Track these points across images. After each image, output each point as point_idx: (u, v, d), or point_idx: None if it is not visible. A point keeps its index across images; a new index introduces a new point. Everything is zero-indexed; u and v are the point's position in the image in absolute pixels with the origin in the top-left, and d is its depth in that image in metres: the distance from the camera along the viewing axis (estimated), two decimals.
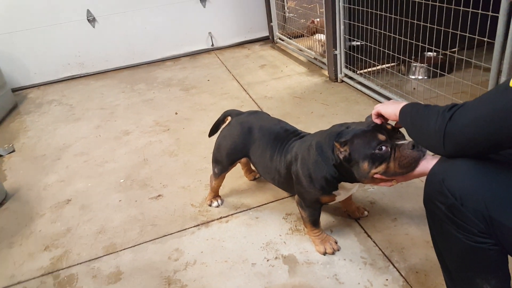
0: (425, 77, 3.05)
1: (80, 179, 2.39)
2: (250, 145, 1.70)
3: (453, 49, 2.28)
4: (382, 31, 2.72)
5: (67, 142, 2.89)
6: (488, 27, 1.84)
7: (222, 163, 1.79)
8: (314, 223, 1.56)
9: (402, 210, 1.74)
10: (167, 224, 1.89)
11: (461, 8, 1.96)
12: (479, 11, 1.85)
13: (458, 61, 2.95)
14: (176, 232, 1.83)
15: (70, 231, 1.93)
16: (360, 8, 2.82)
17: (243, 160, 1.97)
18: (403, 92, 2.64)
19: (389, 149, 1.22)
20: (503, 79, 1.77)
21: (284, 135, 1.64)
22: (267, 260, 1.58)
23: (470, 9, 1.90)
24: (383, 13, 2.66)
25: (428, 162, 1.12)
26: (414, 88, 2.91)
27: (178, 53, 4.61)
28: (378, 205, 1.79)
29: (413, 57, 3.06)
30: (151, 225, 1.90)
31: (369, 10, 2.76)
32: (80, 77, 4.41)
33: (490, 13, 1.77)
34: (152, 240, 1.80)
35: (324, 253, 1.56)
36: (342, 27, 2.97)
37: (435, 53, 3.10)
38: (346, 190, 1.47)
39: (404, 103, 1.15)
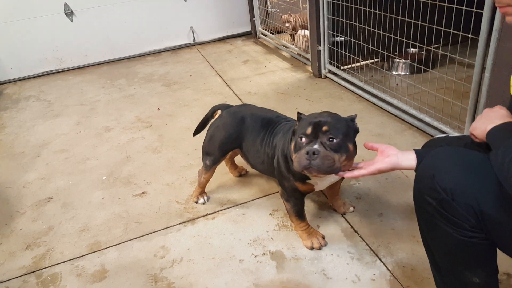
0: (408, 73, 3.09)
1: (61, 176, 2.33)
2: (243, 134, 1.70)
3: (436, 45, 2.32)
4: (366, 27, 2.73)
5: (47, 139, 2.81)
6: (472, 23, 1.88)
7: (215, 154, 1.77)
8: (298, 214, 1.56)
9: (387, 205, 1.76)
10: (152, 221, 1.86)
11: (446, 4, 1.98)
12: (463, 7, 1.88)
13: (441, 57, 3.03)
14: (161, 229, 1.80)
15: (53, 229, 1.87)
16: (344, 3, 2.83)
17: (229, 154, 1.97)
18: (386, 88, 2.67)
19: (302, 145, 1.27)
20: (487, 75, 1.80)
21: (275, 120, 1.65)
22: (255, 257, 1.58)
23: (454, 5, 1.92)
24: (366, 9, 2.68)
25: (399, 157, 1.12)
26: (397, 84, 2.95)
27: (159, 48, 4.53)
28: (364, 200, 1.81)
29: (396, 53, 3.10)
30: (136, 223, 1.86)
31: (353, 5, 2.77)
32: (58, 72, 4.29)
33: (474, 10, 1.80)
34: (137, 237, 1.77)
35: (312, 248, 1.57)
36: (326, 22, 2.98)
37: (417, 49, 3.15)
38: (320, 179, 1.44)
39: (495, 122, 1.02)
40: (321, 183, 1.47)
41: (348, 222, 1.69)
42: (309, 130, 1.26)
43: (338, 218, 1.73)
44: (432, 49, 2.32)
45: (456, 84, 2.09)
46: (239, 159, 2.04)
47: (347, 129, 1.30)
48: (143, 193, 2.08)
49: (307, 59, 3.50)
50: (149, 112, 3.04)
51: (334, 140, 1.24)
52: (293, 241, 1.63)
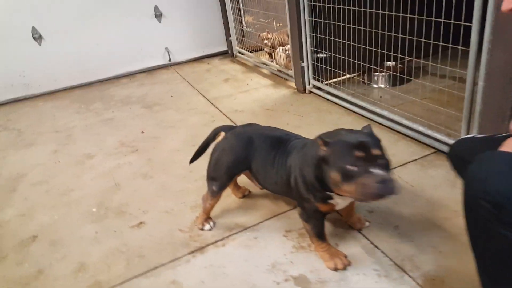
0: (389, 86, 3.15)
1: (43, 211, 2.13)
2: (251, 155, 1.61)
3: (411, 58, 2.38)
4: (346, 41, 2.77)
5: (21, 171, 2.59)
6: (451, 34, 1.94)
7: (221, 179, 1.67)
8: (319, 235, 1.49)
9: (401, 216, 1.73)
10: (156, 253, 1.72)
11: (433, 18, 2.03)
12: (452, 21, 1.93)
13: (415, 69, 3.12)
14: (168, 262, 1.66)
15: (43, 273, 1.68)
16: (323, 20, 2.86)
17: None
18: (372, 99, 2.69)
19: (359, 171, 1.16)
20: (481, 84, 1.83)
21: (285, 138, 1.59)
22: (277, 284, 1.48)
23: (443, 20, 1.97)
24: (346, 25, 2.72)
25: None
26: (381, 96, 2.99)
27: (134, 70, 4.39)
28: (377, 213, 1.77)
29: (375, 66, 3.15)
30: (138, 257, 1.71)
31: (332, 22, 2.81)
32: (26, 99, 4.03)
33: (463, 23, 1.84)
34: (142, 273, 1.62)
35: (335, 269, 1.49)
36: (308, 40, 3.00)
37: (394, 63, 3.22)
38: (342, 198, 1.37)
39: None
40: (343, 202, 1.42)
41: (367, 238, 1.64)
42: (360, 155, 1.17)
43: (356, 235, 1.67)
44: (408, 60, 2.36)
45: (438, 93, 2.14)
46: (240, 179, 1.96)
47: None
48: (141, 223, 1.93)
49: (288, 75, 3.49)
50: (132, 136, 2.89)
51: (385, 161, 1.19)
52: (314, 263, 1.55)
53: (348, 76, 3.12)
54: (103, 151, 2.72)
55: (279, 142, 1.59)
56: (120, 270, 1.65)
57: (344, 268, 1.49)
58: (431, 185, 1.91)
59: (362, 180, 1.15)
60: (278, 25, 4.25)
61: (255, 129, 1.71)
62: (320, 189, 1.34)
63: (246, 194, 2.01)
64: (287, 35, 3.75)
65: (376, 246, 1.59)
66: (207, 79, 3.94)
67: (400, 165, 2.09)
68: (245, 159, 1.63)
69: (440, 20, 2.00)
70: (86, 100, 3.80)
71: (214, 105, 3.24)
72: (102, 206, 2.11)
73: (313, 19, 2.90)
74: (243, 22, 4.37)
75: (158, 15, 4.30)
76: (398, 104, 2.68)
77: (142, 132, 2.94)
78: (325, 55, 3.05)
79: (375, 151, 1.18)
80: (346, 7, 2.69)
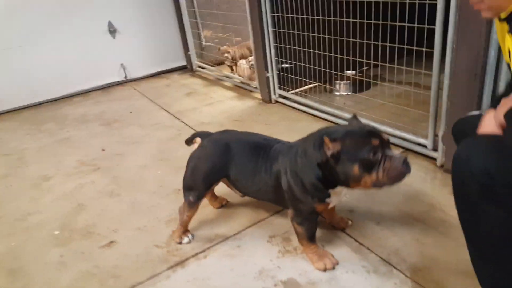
0: (349, 93, 3.25)
1: None
2: (229, 162, 1.56)
3: (376, 62, 2.47)
4: (308, 50, 2.84)
5: None
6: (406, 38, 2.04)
7: (199, 189, 1.60)
8: (311, 238, 1.46)
9: (381, 214, 1.75)
10: (132, 272, 1.60)
11: (397, 23, 2.13)
12: (415, 25, 2.02)
13: (375, 77, 3.26)
14: (146, 280, 1.55)
15: None
16: (286, 31, 2.92)
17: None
18: (337, 105, 2.76)
19: (380, 157, 1.20)
20: (446, 82, 1.90)
21: (264, 143, 1.55)
22: None
23: (406, 23, 2.06)
24: (309, 34, 2.79)
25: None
26: (344, 103, 3.07)
27: (88, 88, 4.19)
28: (357, 212, 1.77)
29: (336, 75, 3.24)
30: (113, 278, 1.58)
31: (296, 32, 2.87)
32: None
33: (426, 26, 1.94)
34: None
35: (325, 270, 1.46)
36: (272, 50, 3.02)
37: (354, 71, 3.33)
38: (337, 195, 1.40)
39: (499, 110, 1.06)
40: (336, 199, 1.42)
41: (351, 237, 1.63)
42: (376, 142, 1.20)
43: (340, 234, 1.66)
44: (378, 63, 2.45)
45: (400, 97, 2.25)
46: (218, 189, 1.90)
47: None
48: (111, 242, 1.80)
49: (251, 86, 3.50)
50: (93, 155, 2.73)
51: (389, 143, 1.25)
52: (302, 266, 1.51)
53: (312, 85, 3.17)
54: (62, 172, 2.53)
55: (258, 148, 1.55)
56: None
57: (333, 268, 1.47)
58: (405, 182, 1.94)
59: (386, 165, 1.18)
60: (236, 39, 4.28)
61: (232, 135, 1.67)
62: (322, 188, 1.33)
63: (224, 204, 1.94)
64: (248, 48, 3.79)
65: (361, 244, 1.59)
66: (168, 93, 3.85)
67: None
68: (222, 167, 1.57)
69: (404, 24, 2.09)
70: (36, 121, 3.55)
71: (178, 119, 3.16)
72: (66, 228, 1.94)
73: (277, 29, 2.94)
74: (202, 37, 4.35)
75: (112, 31, 4.17)
76: (362, 110, 2.76)
77: (103, 150, 2.78)
78: (289, 65, 3.10)
79: (385, 135, 1.22)
80: (310, 17, 2.77)
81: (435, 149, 2.07)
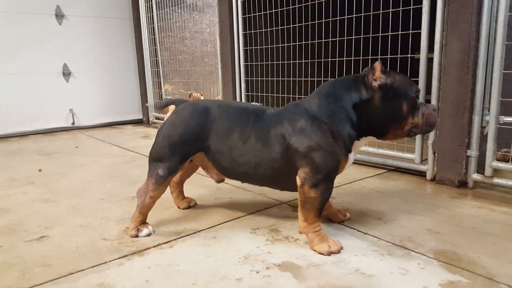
0: None
1: None
2: (208, 129, 1.30)
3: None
4: (277, 95, 2.81)
5: None
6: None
7: (171, 160, 1.30)
8: (321, 208, 1.20)
9: (380, 211, 1.52)
10: (70, 261, 1.17)
11: (390, 33, 2.14)
12: (399, 32, 2.04)
13: None
14: (90, 267, 1.13)
15: None
16: (259, 78, 2.91)
17: (176, 178, 1.53)
18: None
19: (420, 103, 1.22)
20: (435, 84, 1.84)
21: (254, 108, 1.34)
22: (257, 272, 1.08)
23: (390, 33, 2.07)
24: (278, 79, 2.79)
25: None
26: None
27: (28, 130, 3.76)
28: (354, 211, 1.53)
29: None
30: (41, 266, 1.14)
31: (265, 78, 2.87)
32: None
33: (411, 31, 1.93)
34: (48, 281, 1.05)
35: (329, 253, 1.17)
36: (243, 96, 2.95)
37: None
38: (355, 150, 1.27)
39: None
40: (352, 156, 1.26)
41: (352, 228, 1.37)
42: (418, 88, 1.24)
43: (339, 226, 1.39)
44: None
45: None
46: (186, 191, 1.60)
47: None
48: (42, 237, 1.36)
49: None
50: (26, 173, 2.28)
51: None
52: (299, 251, 1.20)
53: None
54: None
55: (247, 113, 1.33)
56: (12, 280, 1.05)
57: (339, 251, 1.18)
58: (397, 190, 1.78)
59: (425, 110, 1.20)
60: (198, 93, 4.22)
61: (213, 101, 1.44)
62: (355, 135, 1.22)
63: (192, 205, 1.61)
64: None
65: (365, 233, 1.33)
66: (121, 136, 3.54)
67: (359, 179, 1.96)
68: (200, 134, 1.31)
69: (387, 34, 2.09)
70: None
71: (133, 151, 2.84)
72: None
73: (249, 78, 2.93)
74: (162, 89, 4.25)
75: (67, 73, 3.95)
76: None
77: (40, 170, 2.34)
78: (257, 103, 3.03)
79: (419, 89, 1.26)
80: (280, 62, 2.79)
81: (423, 162, 1.95)
